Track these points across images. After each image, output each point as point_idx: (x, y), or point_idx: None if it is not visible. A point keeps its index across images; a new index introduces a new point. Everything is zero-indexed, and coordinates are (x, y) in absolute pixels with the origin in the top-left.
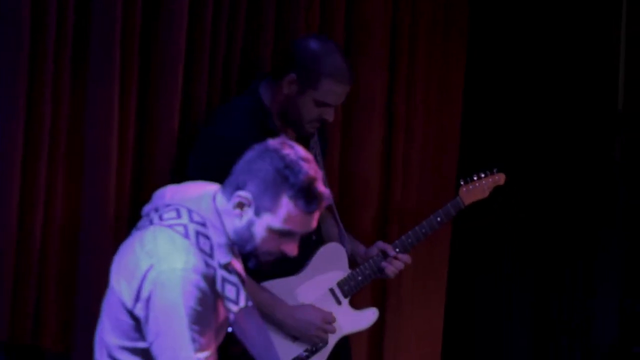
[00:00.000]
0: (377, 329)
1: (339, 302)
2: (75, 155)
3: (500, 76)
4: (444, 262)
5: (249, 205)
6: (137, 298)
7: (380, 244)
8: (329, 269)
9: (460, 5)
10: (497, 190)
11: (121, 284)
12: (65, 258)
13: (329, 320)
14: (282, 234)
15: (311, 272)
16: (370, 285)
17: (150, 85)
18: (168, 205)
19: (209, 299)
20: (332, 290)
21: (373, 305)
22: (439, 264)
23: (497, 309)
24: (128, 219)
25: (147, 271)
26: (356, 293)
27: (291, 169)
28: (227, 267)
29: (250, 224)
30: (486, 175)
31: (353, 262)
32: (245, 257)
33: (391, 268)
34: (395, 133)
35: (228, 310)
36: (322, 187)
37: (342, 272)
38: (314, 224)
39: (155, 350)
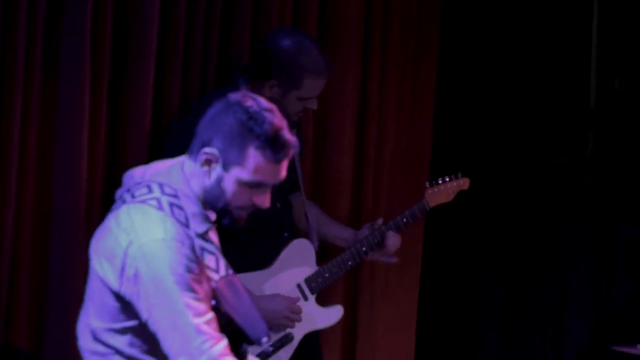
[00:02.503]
0: (350, 325)
1: (305, 298)
2: (46, 155)
3: (472, 76)
4: (417, 258)
5: (217, 161)
6: (121, 277)
7: (369, 223)
8: (297, 264)
9: (432, 8)
10: (465, 193)
11: (103, 265)
12: (37, 258)
13: (296, 309)
14: (252, 186)
15: (279, 267)
16: (343, 282)
17: (122, 84)
18: (139, 183)
19: (195, 266)
20: (299, 286)
21: (346, 301)
22: (412, 260)
23: (469, 304)
24: (100, 218)
25: (127, 247)
26: (323, 290)
27: (255, 120)
28: (203, 236)
29: (219, 180)
30: (451, 179)
31: (322, 256)
32: (219, 215)
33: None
34: (367, 136)
35: (209, 280)
36: (288, 135)
37: (310, 268)
38: (282, 173)
39: (153, 325)
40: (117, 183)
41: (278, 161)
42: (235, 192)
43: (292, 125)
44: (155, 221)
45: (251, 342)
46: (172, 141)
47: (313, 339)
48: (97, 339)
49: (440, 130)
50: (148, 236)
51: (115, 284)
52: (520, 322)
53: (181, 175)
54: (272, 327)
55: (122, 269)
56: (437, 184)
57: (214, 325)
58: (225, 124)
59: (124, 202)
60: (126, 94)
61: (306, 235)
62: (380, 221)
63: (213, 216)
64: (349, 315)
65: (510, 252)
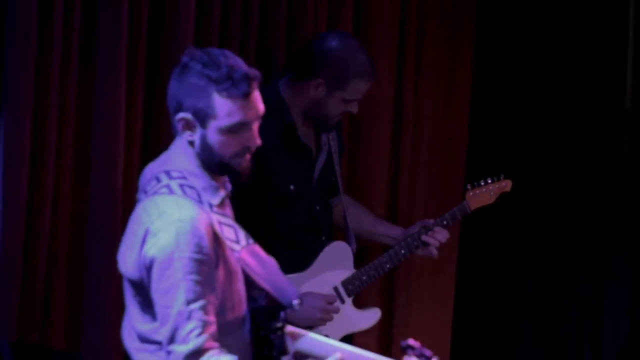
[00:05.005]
0: (386, 327)
1: (342, 301)
2: (82, 157)
3: (507, 76)
4: (453, 259)
5: (194, 123)
6: (138, 263)
7: (421, 222)
8: (334, 267)
9: (467, 9)
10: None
11: (127, 263)
12: (73, 258)
13: (332, 300)
14: (235, 130)
15: (316, 270)
16: (378, 283)
17: (157, 85)
18: (150, 180)
19: (206, 244)
20: (336, 289)
21: (382, 302)
22: (448, 261)
23: (504, 299)
24: None
25: (145, 235)
26: (360, 293)
27: (209, 66)
28: (220, 208)
29: (203, 138)
30: (493, 181)
31: (360, 260)
32: (221, 172)
33: (433, 241)
34: (403, 136)
35: (232, 251)
36: (245, 68)
37: (347, 271)
38: (259, 107)
39: (155, 307)
40: None
41: (244, 96)
42: (222, 142)
43: (331, 128)
44: (169, 205)
45: (284, 307)
46: None
47: (347, 343)
48: (144, 339)
49: (476, 129)
50: (163, 221)
51: (135, 274)
52: (554, 316)
53: (180, 155)
54: (312, 322)
55: (139, 255)
56: (479, 185)
57: (210, 308)
58: (186, 84)
59: (140, 202)
60: (162, 96)
61: (345, 237)
62: (431, 222)
63: (229, 186)
64: (386, 315)
65: (544, 246)
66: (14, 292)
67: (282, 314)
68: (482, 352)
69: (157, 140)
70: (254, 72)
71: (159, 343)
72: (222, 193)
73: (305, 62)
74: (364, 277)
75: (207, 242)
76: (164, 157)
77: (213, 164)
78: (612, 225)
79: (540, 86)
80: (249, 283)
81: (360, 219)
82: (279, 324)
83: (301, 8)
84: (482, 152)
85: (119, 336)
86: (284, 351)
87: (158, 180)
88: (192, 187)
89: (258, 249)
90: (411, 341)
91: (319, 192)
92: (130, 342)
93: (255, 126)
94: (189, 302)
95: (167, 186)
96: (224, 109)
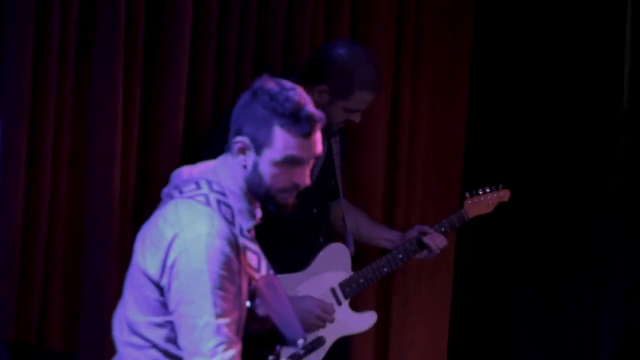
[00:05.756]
0: (383, 327)
1: (339, 303)
2: (79, 156)
3: (505, 77)
4: (450, 259)
5: (249, 148)
6: (163, 268)
7: (420, 227)
8: (332, 268)
9: (465, 8)
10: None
11: (146, 258)
12: (70, 258)
13: (328, 309)
14: (287, 164)
15: (314, 271)
16: (376, 284)
17: (155, 86)
18: (187, 181)
19: (233, 265)
20: (333, 290)
21: (379, 301)
22: (445, 261)
23: (503, 300)
24: (133, 219)
25: (172, 240)
26: (357, 295)
27: (277, 100)
28: (249, 233)
29: (255, 166)
30: (492, 191)
31: (358, 263)
32: (264, 203)
33: (433, 244)
34: (400, 137)
35: (249, 279)
36: (311, 109)
37: (344, 273)
38: (317, 148)
39: (177, 318)
40: (151, 184)
41: (305, 135)
42: (273, 174)
43: (333, 134)
44: (202, 216)
45: (286, 343)
46: (211, 147)
47: (343, 345)
48: (135, 331)
49: (474, 129)
50: (193, 230)
51: (156, 276)
52: (554, 316)
53: (227, 172)
54: (305, 326)
55: (164, 261)
56: (477, 194)
57: (234, 328)
58: (252, 110)
59: (171, 198)
60: (159, 95)
61: (343, 239)
62: (427, 228)
63: (259, 213)
64: (382, 316)
65: (544, 246)
66: (11, 292)
67: (277, 347)
68: (481, 353)
69: (154, 139)
70: (319, 114)
71: (147, 340)
72: (254, 219)
73: (312, 66)
74: (362, 280)
75: (234, 263)
76: (207, 165)
77: (259, 193)
78: (612, 225)
79: (538, 87)
80: (249, 314)
81: (358, 222)
82: (272, 357)
83: (299, 3)
84: (480, 152)
85: None
86: None
87: (198, 186)
88: (228, 206)
89: (276, 280)
90: None
91: (316, 194)
92: (119, 332)
93: (309, 166)
94: (217, 316)
95: (206, 196)
96: (281, 141)
